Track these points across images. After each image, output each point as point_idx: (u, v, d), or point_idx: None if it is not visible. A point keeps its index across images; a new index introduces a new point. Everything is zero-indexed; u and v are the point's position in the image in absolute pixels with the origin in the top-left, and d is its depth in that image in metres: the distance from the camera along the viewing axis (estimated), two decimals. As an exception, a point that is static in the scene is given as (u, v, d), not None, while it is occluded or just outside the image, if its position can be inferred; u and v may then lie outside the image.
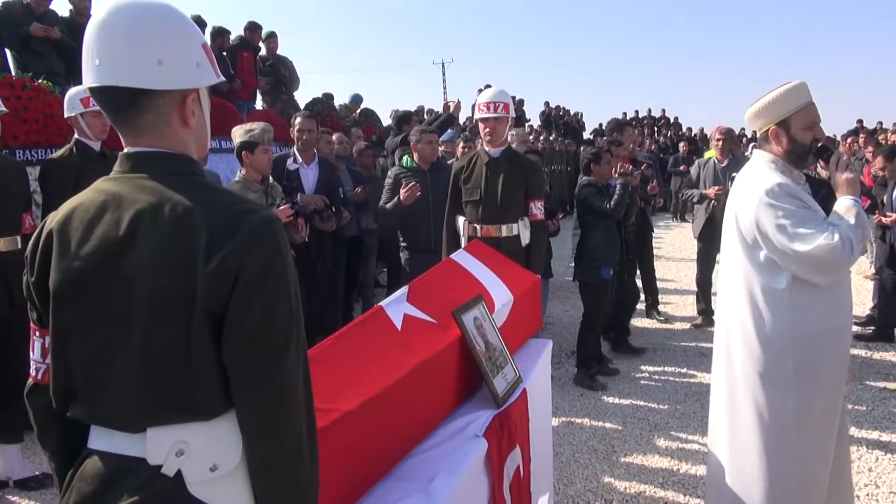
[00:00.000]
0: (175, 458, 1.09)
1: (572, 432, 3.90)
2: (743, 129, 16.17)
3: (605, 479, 3.35)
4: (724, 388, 2.45)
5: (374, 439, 1.69)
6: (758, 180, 2.30)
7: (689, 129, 19.99)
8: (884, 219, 5.35)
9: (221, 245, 1.06)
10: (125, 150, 1.17)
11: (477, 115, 3.77)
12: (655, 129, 19.79)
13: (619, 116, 20.39)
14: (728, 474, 2.45)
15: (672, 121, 21.04)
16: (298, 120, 4.62)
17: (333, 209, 4.40)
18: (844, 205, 2.26)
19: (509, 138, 4.22)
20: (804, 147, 2.29)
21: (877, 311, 5.74)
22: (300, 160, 4.52)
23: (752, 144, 16.79)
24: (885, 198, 5.67)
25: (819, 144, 2.32)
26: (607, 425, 4.01)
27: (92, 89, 1.14)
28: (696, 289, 6.15)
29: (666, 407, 4.24)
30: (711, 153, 6.37)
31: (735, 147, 6.57)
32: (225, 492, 1.12)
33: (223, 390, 1.10)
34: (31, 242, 1.19)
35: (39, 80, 4.90)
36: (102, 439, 1.14)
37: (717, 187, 5.62)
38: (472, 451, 1.93)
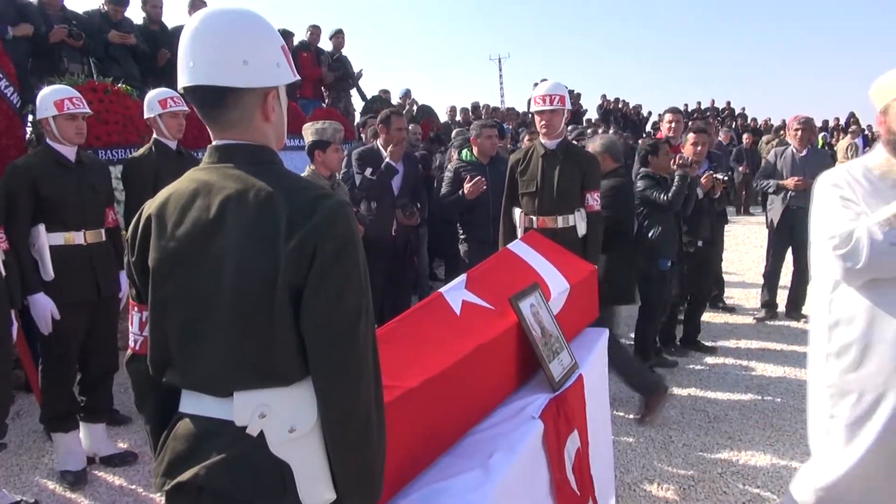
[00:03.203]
0: (258, 419, 1.21)
1: (629, 422, 3.91)
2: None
3: (662, 467, 3.36)
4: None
5: (435, 416, 1.78)
6: (840, 167, 2.23)
7: (754, 120, 19.36)
8: None
9: (300, 226, 1.17)
10: (213, 143, 1.30)
11: (533, 108, 3.81)
12: (719, 120, 19.25)
13: (682, 108, 19.98)
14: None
15: (738, 112, 20.40)
16: (396, 119, 4.63)
17: (419, 205, 4.49)
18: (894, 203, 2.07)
19: (597, 145, 4.28)
20: None
21: None
22: (389, 158, 4.52)
23: (822, 134, 16.15)
24: None
25: None
26: (665, 415, 3.99)
27: (186, 88, 1.27)
28: (760, 281, 6.04)
29: (725, 398, 4.20)
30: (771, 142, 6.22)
31: (813, 136, 6.36)
32: (302, 451, 1.23)
33: (301, 359, 1.21)
34: (132, 226, 1.33)
35: (119, 85, 5.21)
36: (193, 403, 1.27)
37: (795, 178, 5.49)
38: (529, 432, 1.99)
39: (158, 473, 1.29)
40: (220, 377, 1.22)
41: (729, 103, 20.84)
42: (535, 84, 14.32)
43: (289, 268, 1.17)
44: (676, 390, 4.38)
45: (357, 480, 1.26)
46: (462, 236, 4.60)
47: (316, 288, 1.18)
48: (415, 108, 9.75)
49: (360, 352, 1.21)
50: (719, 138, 7.62)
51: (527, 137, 5.79)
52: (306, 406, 1.23)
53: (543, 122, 3.74)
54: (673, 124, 5.32)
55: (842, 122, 19.94)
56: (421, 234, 5.90)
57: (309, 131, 3.96)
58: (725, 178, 4.98)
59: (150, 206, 1.30)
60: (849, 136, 14.06)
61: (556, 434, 2.14)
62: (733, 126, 18.64)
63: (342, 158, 4.11)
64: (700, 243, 4.99)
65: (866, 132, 16.86)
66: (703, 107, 20.34)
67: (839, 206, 2.11)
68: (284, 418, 1.22)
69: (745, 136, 15.36)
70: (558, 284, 2.71)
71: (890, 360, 2.07)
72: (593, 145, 4.40)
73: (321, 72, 8.41)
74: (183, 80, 1.26)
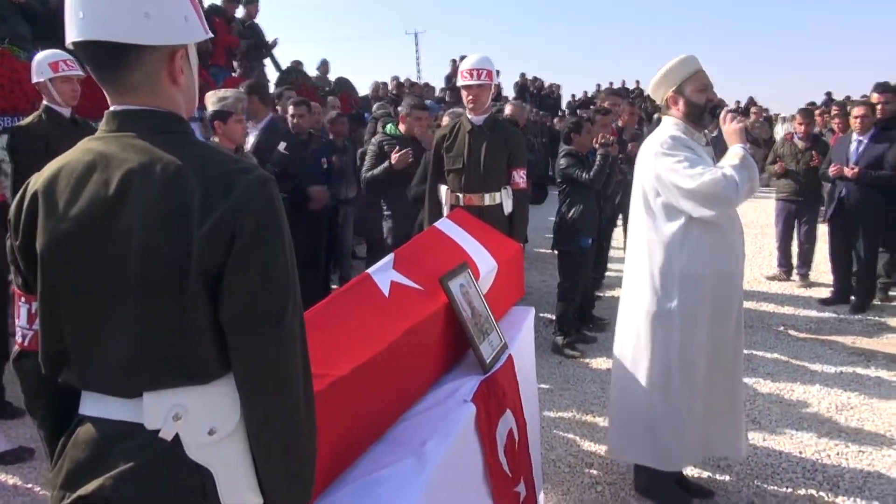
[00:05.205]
0: (172, 422, 1.07)
1: (552, 399, 3.95)
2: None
3: (585, 443, 3.42)
4: (625, 328, 2.81)
5: (366, 403, 1.70)
6: (655, 137, 2.67)
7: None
8: (846, 171, 5.41)
9: (217, 204, 1.04)
10: (111, 109, 1.13)
11: (460, 83, 3.73)
12: (629, 101, 19.76)
13: (593, 89, 20.46)
14: (623, 407, 2.86)
15: (647, 92, 21.05)
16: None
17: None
18: (732, 150, 2.60)
19: (507, 111, 4.22)
20: (699, 107, 2.63)
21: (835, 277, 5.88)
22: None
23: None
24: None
25: (712, 104, 2.67)
26: (586, 391, 4.07)
27: (76, 44, 1.09)
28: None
29: (644, 373, 4.31)
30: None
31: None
32: (223, 454, 1.11)
33: (220, 353, 1.09)
34: (13, 205, 1.15)
35: (4, 45, 4.72)
36: (95, 405, 1.12)
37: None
38: (461, 416, 1.94)
39: (56, 485, 1.13)
40: (127, 376, 1.07)
41: (638, 83, 21.46)
42: (453, 59, 14.24)
43: (204, 251, 1.03)
44: (596, 366, 4.47)
45: (286, 482, 1.16)
46: (387, 213, 4.48)
47: (236, 274, 1.05)
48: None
49: (286, 344, 1.10)
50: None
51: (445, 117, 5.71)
52: (227, 405, 1.11)
53: (470, 97, 3.66)
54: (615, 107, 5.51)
55: (741, 105, 21.00)
56: (345, 214, 5.71)
57: (211, 101, 3.72)
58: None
59: (36, 182, 1.12)
60: (752, 117, 14.84)
61: (488, 416, 2.11)
62: (643, 107, 19.25)
63: (245, 129, 3.91)
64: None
65: (765, 114, 17.85)
66: (614, 87, 20.84)
67: (693, 162, 2.53)
68: (202, 419, 1.09)
69: (655, 115, 15.87)
70: (486, 263, 2.67)
71: (733, 285, 2.65)
72: None
73: (238, 40, 7.94)
74: (72, 35, 1.08)
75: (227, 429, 1.11)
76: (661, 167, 2.57)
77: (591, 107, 10.83)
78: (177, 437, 1.08)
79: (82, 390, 1.14)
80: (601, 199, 4.82)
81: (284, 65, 8.92)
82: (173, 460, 1.08)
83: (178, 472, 1.08)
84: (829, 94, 18.15)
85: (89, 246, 1.06)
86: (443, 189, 3.84)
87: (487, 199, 3.71)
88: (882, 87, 5.64)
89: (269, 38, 8.59)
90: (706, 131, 2.82)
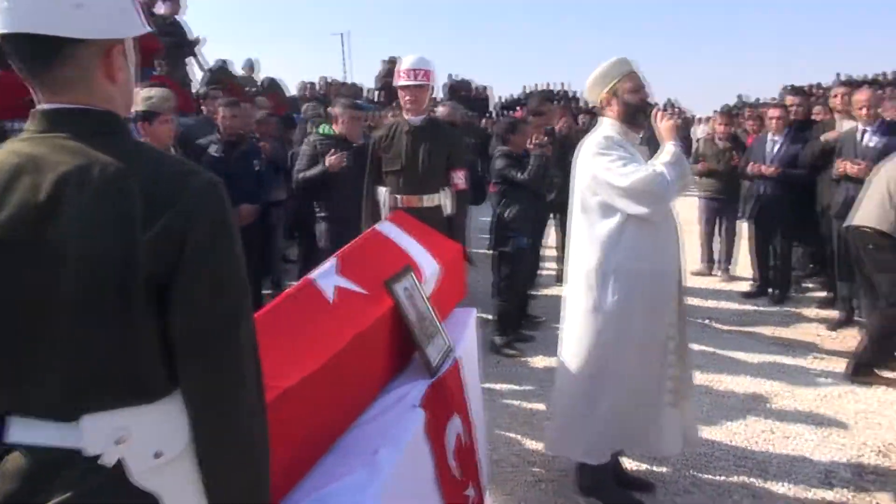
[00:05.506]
0: (115, 446, 1.00)
1: (492, 398, 3.96)
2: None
3: (527, 441, 3.44)
4: (567, 325, 2.87)
5: (316, 414, 1.65)
6: (591, 138, 2.74)
7: (586, 102, 20.47)
8: (764, 169, 5.63)
9: (163, 209, 0.98)
10: (40, 108, 1.04)
11: (398, 83, 3.69)
12: (555, 103, 20.07)
13: (521, 90, 20.75)
14: (560, 401, 2.92)
15: (572, 95, 21.46)
16: None
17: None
18: (665, 148, 2.69)
19: (441, 112, 4.21)
20: (633, 107, 2.71)
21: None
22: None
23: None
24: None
25: (644, 104, 2.77)
26: (525, 390, 4.11)
27: (3, 36, 1.00)
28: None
29: (581, 369, 4.39)
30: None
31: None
32: (171, 479, 1.05)
33: (167, 368, 1.02)
34: None
35: None
36: (26, 431, 1.03)
37: None
38: (411, 423, 1.92)
39: (-18, 522, 1.03)
40: (63, 398, 0.99)
41: (563, 85, 21.82)
42: (384, 60, 14.16)
43: (150, 259, 0.97)
44: (535, 364, 4.53)
45: (242, 499, 1.09)
46: (321, 215, 4.37)
47: (188, 283, 0.99)
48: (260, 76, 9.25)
49: (240, 358, 1.04)
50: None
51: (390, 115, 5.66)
52: (174, 425, 1.04)
53: (409, 98, 3.63)
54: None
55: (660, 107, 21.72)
56: (276, 216, 5.56)
57: (138, 99, 3.56)
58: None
59: None
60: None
61: (437, 421, 2.09)
62: (570, 107, 19.60)
63: (172, 130, 3.77)
64: None
65: (683, 115, 18.61)
66: (539, 88, 21.14)
67: (627, 161, 2.60)
68: (148, 442, 1.02)
69: (580, 117, 16.20)
70: (429, 265, 2.65)
71: (667, 282, 2.71)
72: None
73: (158, 45, 7.59)
74: None
75: (175, 451, 1.04)
76: (596, 166, 2.64)
77: (518, 107, 10.97)
78: (119, 462, 1.01)
79: (7, 416, 1.04)
80: (536, 200, 4.87)
81: (209, 64, 8.63)
82: (117, 488, 1.01)
83: (122, 501, 1.01)
84: (740, 96, 19.08)
85: (19, 256, 0.98)
86: (381, 191, 3.79)
87: (426, 201, 3.69)
88: (793, 91, 5.96)
89: (195, 35, 8.29)
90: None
